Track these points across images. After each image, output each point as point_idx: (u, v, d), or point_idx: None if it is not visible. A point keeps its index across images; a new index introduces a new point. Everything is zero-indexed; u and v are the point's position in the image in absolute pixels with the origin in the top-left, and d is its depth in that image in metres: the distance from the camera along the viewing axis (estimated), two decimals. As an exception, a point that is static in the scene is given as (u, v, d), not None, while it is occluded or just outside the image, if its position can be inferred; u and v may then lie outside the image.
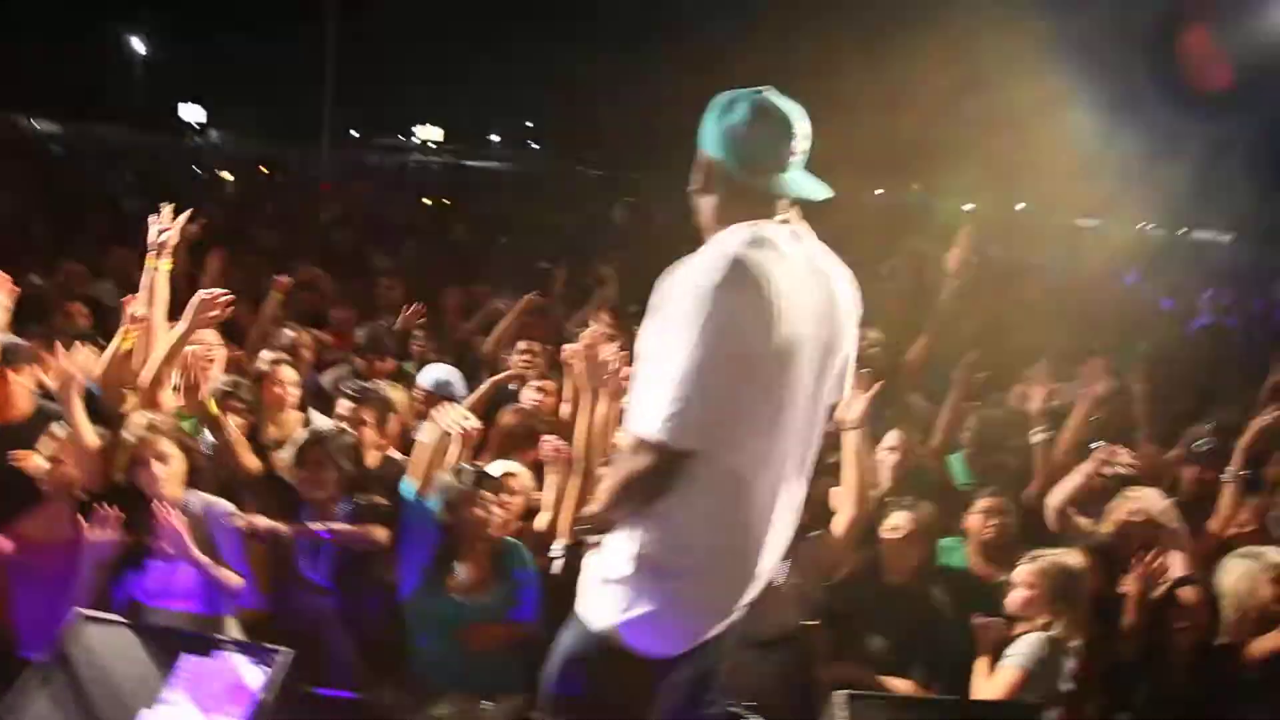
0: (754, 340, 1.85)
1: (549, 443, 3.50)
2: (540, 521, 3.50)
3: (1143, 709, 3.26)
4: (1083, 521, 3.62)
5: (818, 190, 2.03)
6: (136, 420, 3.16)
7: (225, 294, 3.54)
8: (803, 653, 3.33)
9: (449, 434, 3.25)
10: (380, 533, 3.27)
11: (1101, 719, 3.21)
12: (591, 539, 2.13)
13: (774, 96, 2.01)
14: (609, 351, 3.27)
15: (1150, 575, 3.21)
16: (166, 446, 3.08)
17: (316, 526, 3.21)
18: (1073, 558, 3.13)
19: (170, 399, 3.55)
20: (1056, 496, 3.64)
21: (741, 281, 1.84)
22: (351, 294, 6.71)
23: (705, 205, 2.08)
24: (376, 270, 7.64)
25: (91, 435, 3.15)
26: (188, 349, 3.46)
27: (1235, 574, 3.22)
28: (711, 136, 2.04)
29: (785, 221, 2.02)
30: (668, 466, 1.87)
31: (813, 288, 1.99)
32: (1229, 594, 3.21)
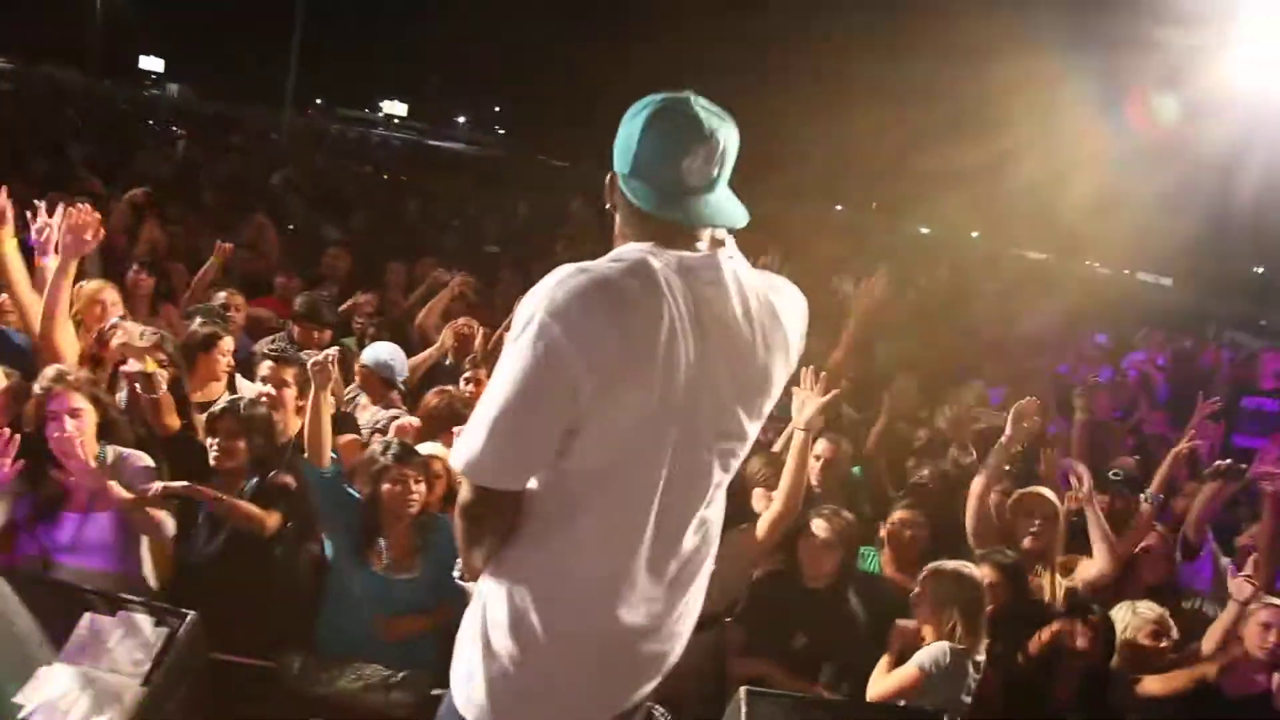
0: (598, 363, 1.56)
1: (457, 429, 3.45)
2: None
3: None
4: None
5: (727, 216, 1.72)
6: (46, 373, 3.06)
7: (91, 214, 3.39)
8: (716, 645, 3.37)
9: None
10: (271, 519, 3.21)
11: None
12: (467, 584, 1.87)
13: (686, 102, 1.69)
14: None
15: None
16: (78, 400, 2.98)
17: (209, 495, 3.14)
18: (969, 568, 3.21)
19: (71, 347, 3.44)
20: (971, 516, 3.74)
21: (586, 296, 1.56)
22: (296, 261, 6.61)
23: (615, 221, 1.80)
24: (325, 240, 7.53)
25: None
26: (101, 297, 3.30)
27: (1120, 624, 3.44)
28: (616, 144, 1.75)
29: (699, 242, 1.71)
30: (492, 503, 1.68)
31: (724, 310, 1.67)
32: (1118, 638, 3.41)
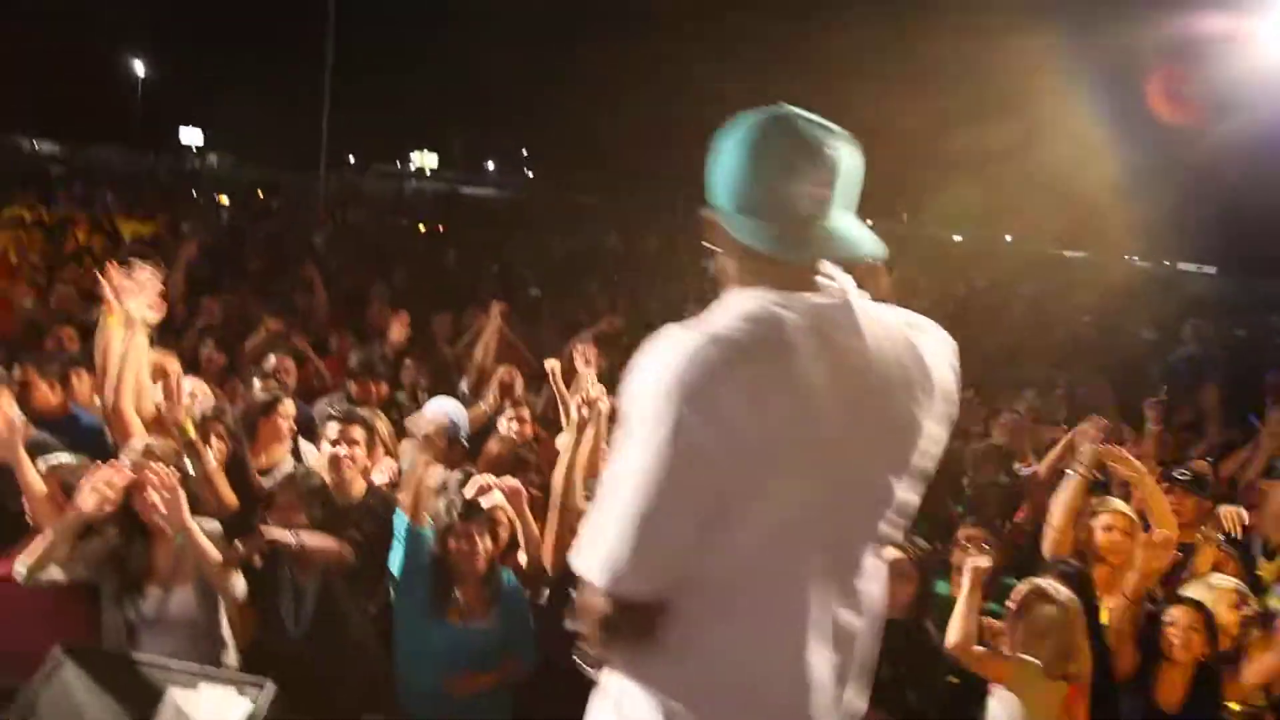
0: (741, 448, 1.35)
1: (506, 482, 3.44)
2: (521, 559, 3.53)
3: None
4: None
5: (858, 246, 1.48)
6: (134, 445, 3.17)
7: (153, 275, 3.46)
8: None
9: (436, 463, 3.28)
10: (345, 549, 3.24)
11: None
12: (589, 670, 1.68)
13: (788, 118, 1.47)
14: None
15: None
16: (169, 471, 3.05)
17: (292, 540, 3.19)
18: (1064, 592, 3.14)
19: (138, 420, 3.50)
20: (1057, 528, 3.70)
21: (719, 374, 1.34)
22: (346, 321, 6.78)
23: (720, 265, 1.57)
24: (370, 297, 7.71)
25: (35, 479, 3.12)
26: (170, 370, 3.42)
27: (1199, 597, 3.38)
28: (712, 177, 1.52)
29: (829, 279, 1.49)
30: (628, 613, 1.46)
31: (866, 366, 1.45)
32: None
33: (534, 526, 3.52)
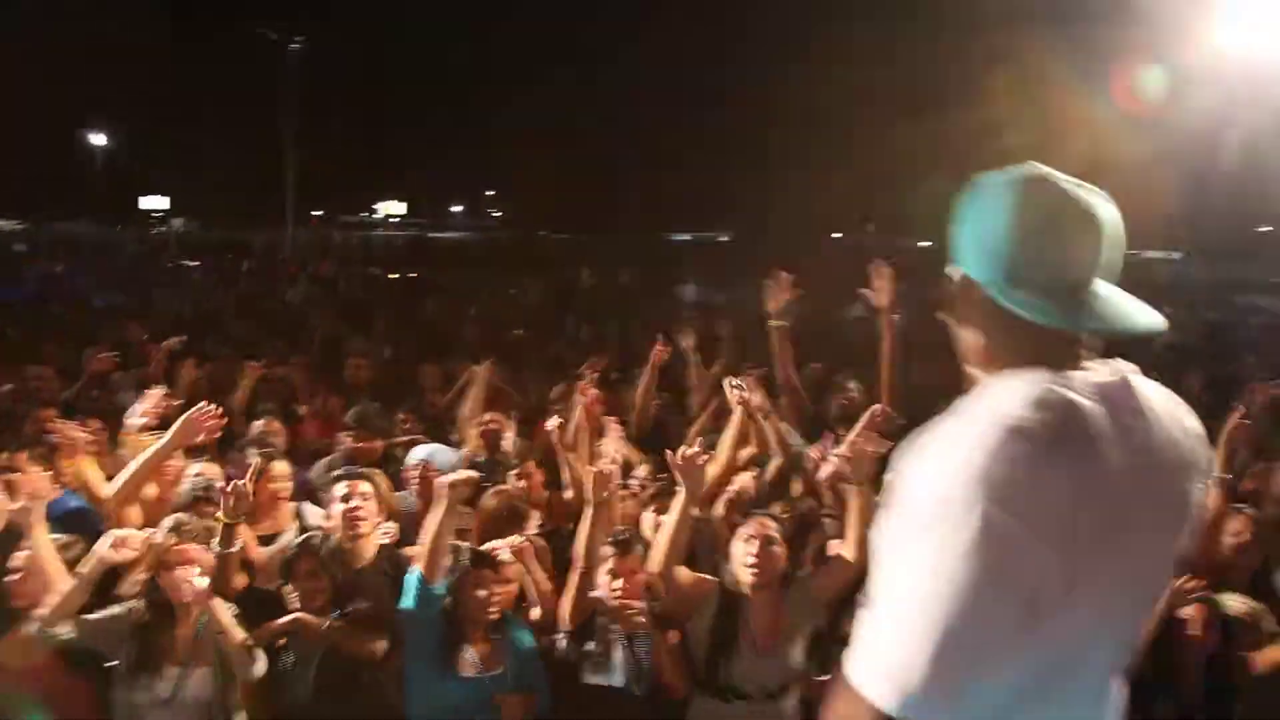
0: (1043, 561, 1.22)
1: (512, 544, 3.45)
2: (534, 613, 3.50)
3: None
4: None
5: (1135, 314, 1.35)
6: (165, 524, 3.15)
7: (213, 411, 3.57)
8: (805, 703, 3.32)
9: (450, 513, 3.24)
10: (379, 645, 3.22)
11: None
12: None
13: (1048, 178, 1.36)
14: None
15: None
16: (198, 551, 3.06)
17: (318, 626, 3.15)
18: None
19: (135, 515, 3.54)
20: None
21: (1028, 469, 1.21)
22: (325, 379, 6.69)
23: (970, 341, 1.43)
24: (350, 351, 7.64)
25: (51, 555, 3.07)
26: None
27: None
28: (963, 244, 1.39)
29: (1100, 360, 1.36)
30: None
31: (1155, 449, 1.32)
32: None
33: (543, 577, 3.50)
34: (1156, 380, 1.39)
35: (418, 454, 4.59)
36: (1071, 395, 1.27)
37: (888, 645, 1.26)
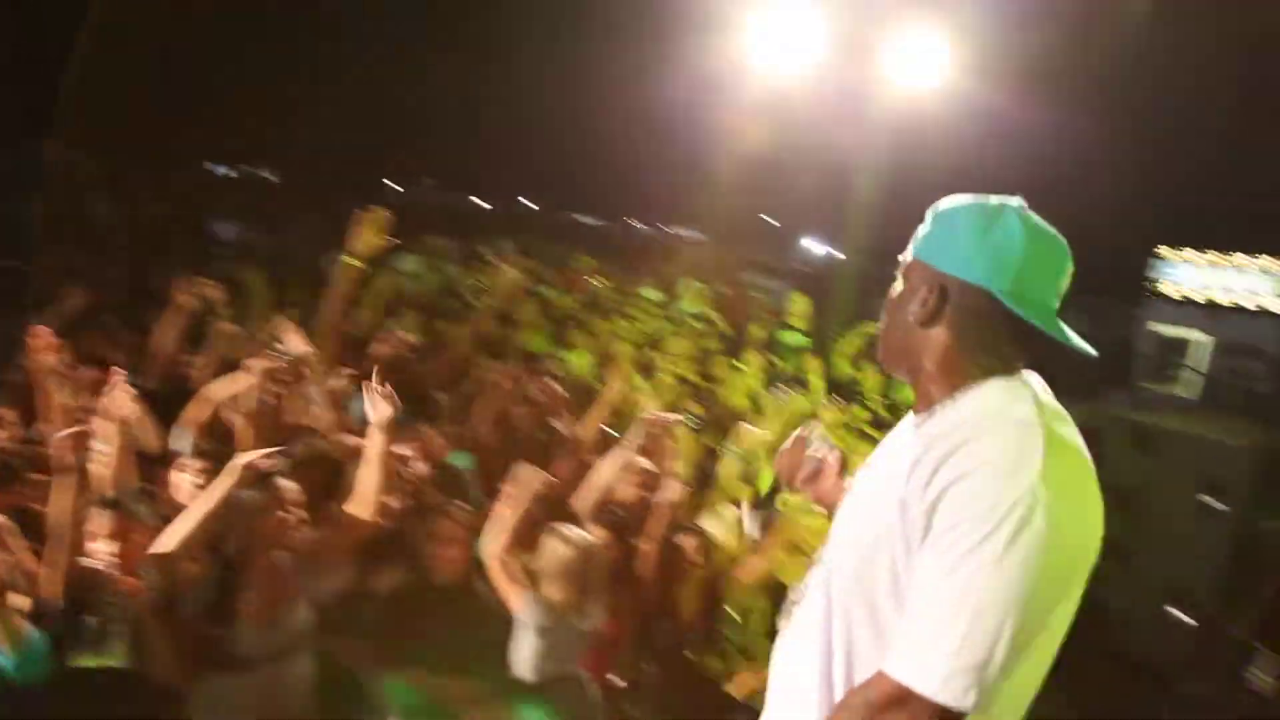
0: (1071, 549, 1.39)
1: None
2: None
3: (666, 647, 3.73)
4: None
5: (1075, 339, 1.53)
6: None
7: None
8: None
9: None
10: None
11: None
12: None
13: (1033, 216, 1.56)
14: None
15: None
16: None
17: None
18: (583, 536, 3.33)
19: None
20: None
21: (1056, 469, 1.36)
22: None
23: (931, 341, 1.56)
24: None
25: None
26: None
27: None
28: (971, 254, 1.52)
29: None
30: None
31: (1083, 457, 1.49)
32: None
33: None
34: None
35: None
36: (1053, 404, 1.49)
37: (958, 648, 1.32)
